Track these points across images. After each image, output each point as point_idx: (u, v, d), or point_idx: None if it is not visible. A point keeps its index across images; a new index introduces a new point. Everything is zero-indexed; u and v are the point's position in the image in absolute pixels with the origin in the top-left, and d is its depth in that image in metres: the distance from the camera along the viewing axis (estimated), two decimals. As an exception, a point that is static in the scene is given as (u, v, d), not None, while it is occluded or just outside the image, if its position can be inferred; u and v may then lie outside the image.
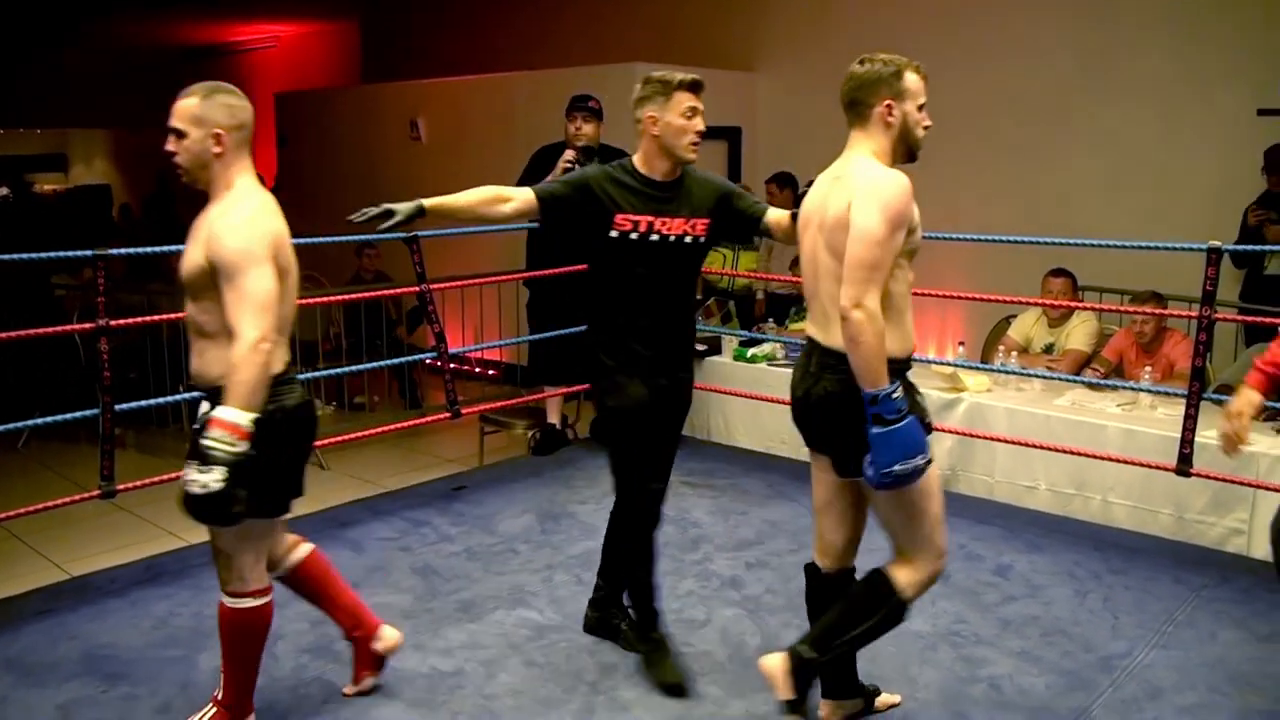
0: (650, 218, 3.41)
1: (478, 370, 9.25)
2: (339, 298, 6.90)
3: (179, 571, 4.43)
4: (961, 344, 6.23)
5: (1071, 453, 4.88)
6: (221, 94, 2.86)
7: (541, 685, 3.51)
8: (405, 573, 4.45)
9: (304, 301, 6.01)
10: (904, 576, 3.01)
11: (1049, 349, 5.88)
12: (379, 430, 5.79)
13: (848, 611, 3.03)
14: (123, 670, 3.58)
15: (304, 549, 3.33)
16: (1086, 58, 7.36)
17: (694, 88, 3.40)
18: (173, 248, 3.80)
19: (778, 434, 5.97)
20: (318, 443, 5.70)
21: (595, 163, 5.71)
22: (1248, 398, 3.17)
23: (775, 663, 3.01)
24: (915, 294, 5.92)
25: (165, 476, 4.31)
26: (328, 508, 5.31)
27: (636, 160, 3.47)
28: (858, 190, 2.83)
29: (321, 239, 6.10)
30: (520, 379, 6.84)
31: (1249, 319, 4.98)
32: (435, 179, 9.72)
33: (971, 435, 5.27)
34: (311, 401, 3.09)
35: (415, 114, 10.11)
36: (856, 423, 2.76)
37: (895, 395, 2.70)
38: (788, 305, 7.14)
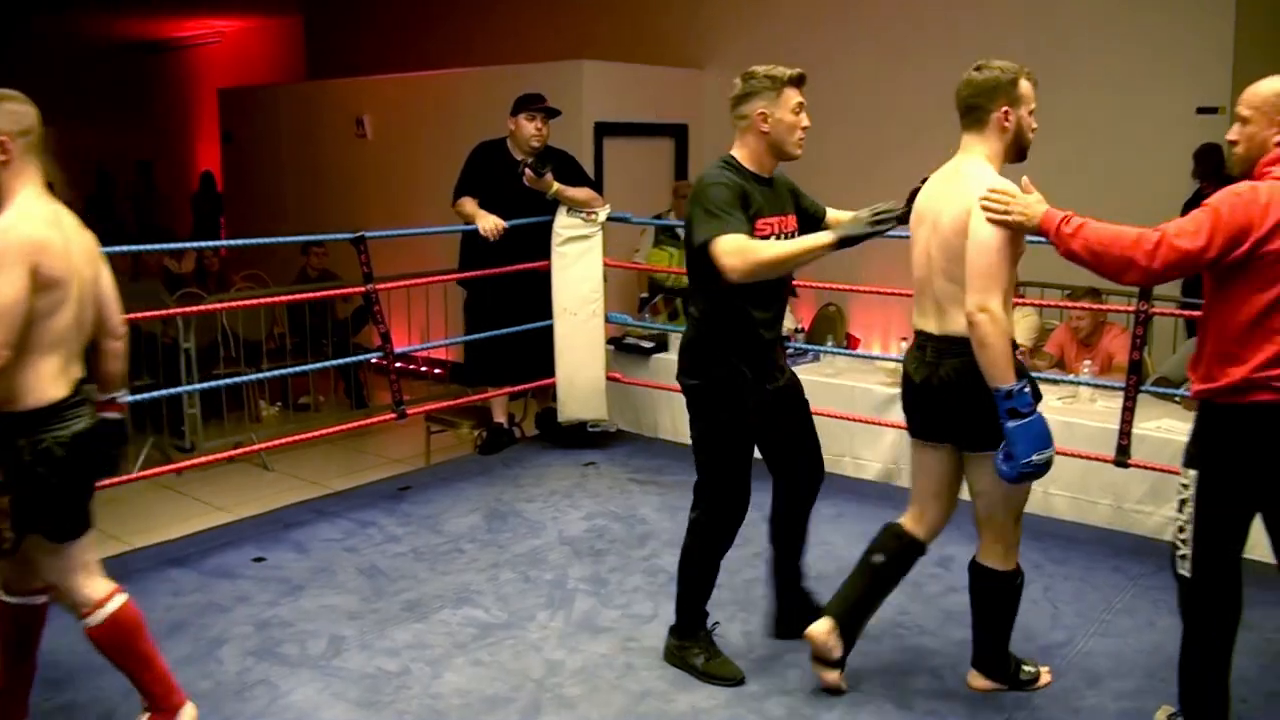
0: (778, 218, 3.43)
1: (424, 370, 9.22)
2: (283, 297, 6.85)
3: (120, 576, 4.37)
4: (905, 339, 6.27)
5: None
6: (6, 101, 2.77)
7: (488, 684, 3.51)
8: (351, 574, 4.43)
9: (247, 302, 5.99)
10: (1003, 558, 3.35)
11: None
12: (324, 432, 5.77)
13: (993, 614, 3.43)
14: (65, 678, 3.53)
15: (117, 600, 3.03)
16: (1034, 56, 7.43)
17: (801, 82, 3.39)
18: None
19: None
20: (264, 444, 5.76)
21: (548, 166, 5.74)
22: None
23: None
24: (861, 291, 6.05)
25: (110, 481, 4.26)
26: (272, 509, 5.28)
27: (743, 158, 3.43)
28: (976, 199, 2.99)
29: (266, 240, 6.09)
30: (462, 378, 6.82)
31: (1186, 313, 5.07)
32: (381, 176, 9.80)
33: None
34: (106, 425, 3.00)
35: (361, 111, 10.04)
36: (982, 401, 2.96)
37: (1026, 390, 2.90)
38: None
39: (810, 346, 6.29)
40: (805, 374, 5.76)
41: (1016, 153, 3.21)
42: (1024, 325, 5.91)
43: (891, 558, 3.50)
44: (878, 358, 6.09)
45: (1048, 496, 5.06)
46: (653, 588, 4.25)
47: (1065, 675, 3.58)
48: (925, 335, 3.22)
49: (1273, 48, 6.67)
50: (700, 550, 3.59)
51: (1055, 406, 5.19)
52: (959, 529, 4.83)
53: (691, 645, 3.61)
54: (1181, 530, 2.89)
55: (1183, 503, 2.89)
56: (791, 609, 3.79)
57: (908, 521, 3.50)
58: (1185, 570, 2.89)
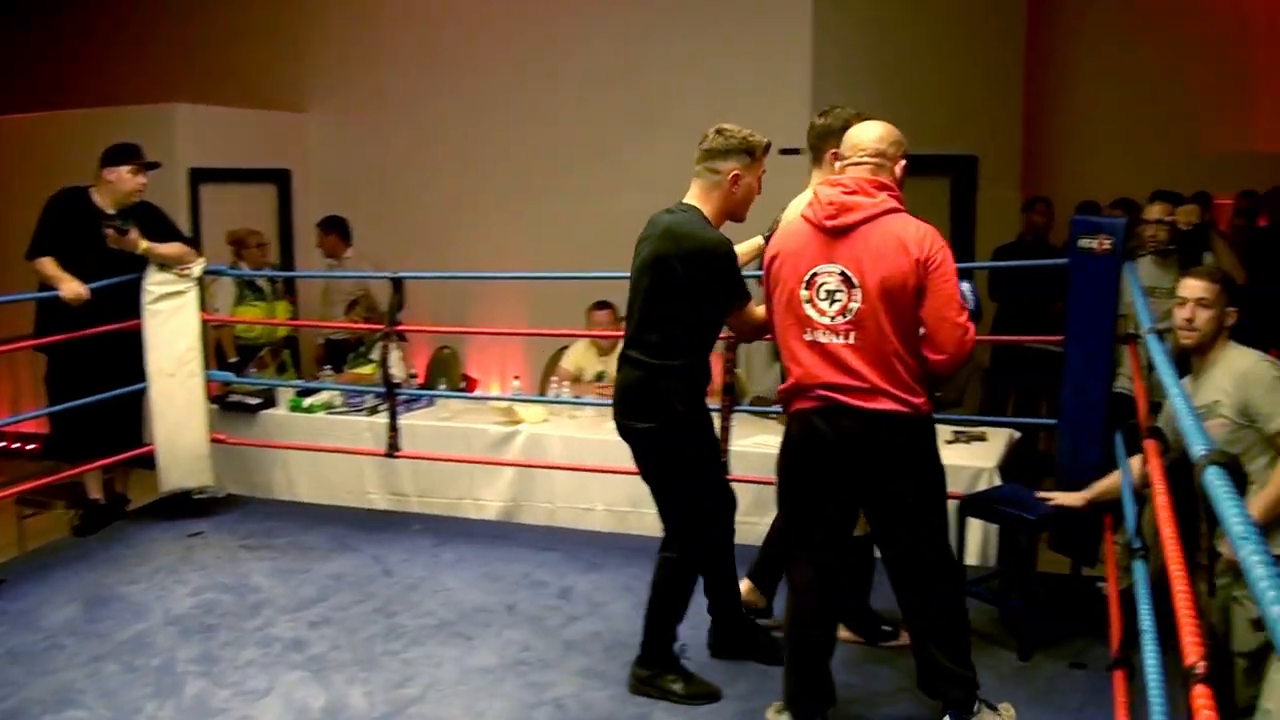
0: None
1: (15, 446, 8.42)
2: None
3: None
4: (517, 378, 6.40)
5: (624, 473, 5.12)
6: None
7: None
8: (-73, 687, 3.95)
9: None
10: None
11: (600, 376, 6.16)
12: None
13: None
14: None
15: None
16: (629, 102, 7.81)
17: (767, 152, 3.59)
18: None
19: (342, 484, 5.86)
20: None
21: (130, 223, 5.36)
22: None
23: None
24: (472, 333, 6.11)
25: None
26: None
27: (709, 214, 3.57)
28: None
29: None
30: (54, 453, 6.25)
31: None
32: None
33: (531, 466, 5.43)
34: None
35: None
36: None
37: None
38: (346, 350, 7.03)
39: (424, 392, 6.26)
40: (421, 419, 5.76)
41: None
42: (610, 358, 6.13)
43: None
44: (490, 398, 6.15)
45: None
46: (268, 659, 4.06)
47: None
48: None
49: (846, 90, 7.32)
50: (676, 585, 3.68)
51: (660, 431, 5.42)
52: (578, 559, 4.99)
53: (664, 673, 3.68)
54: None
55: None
56: (728, 629, 3.96)
57: None
58: None
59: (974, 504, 4.25)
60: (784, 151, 7.42)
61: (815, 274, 3.12)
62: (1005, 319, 6.89)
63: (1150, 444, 2.87)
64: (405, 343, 6.63)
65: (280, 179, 8.86)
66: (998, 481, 4.78)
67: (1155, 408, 3.84)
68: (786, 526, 3.51)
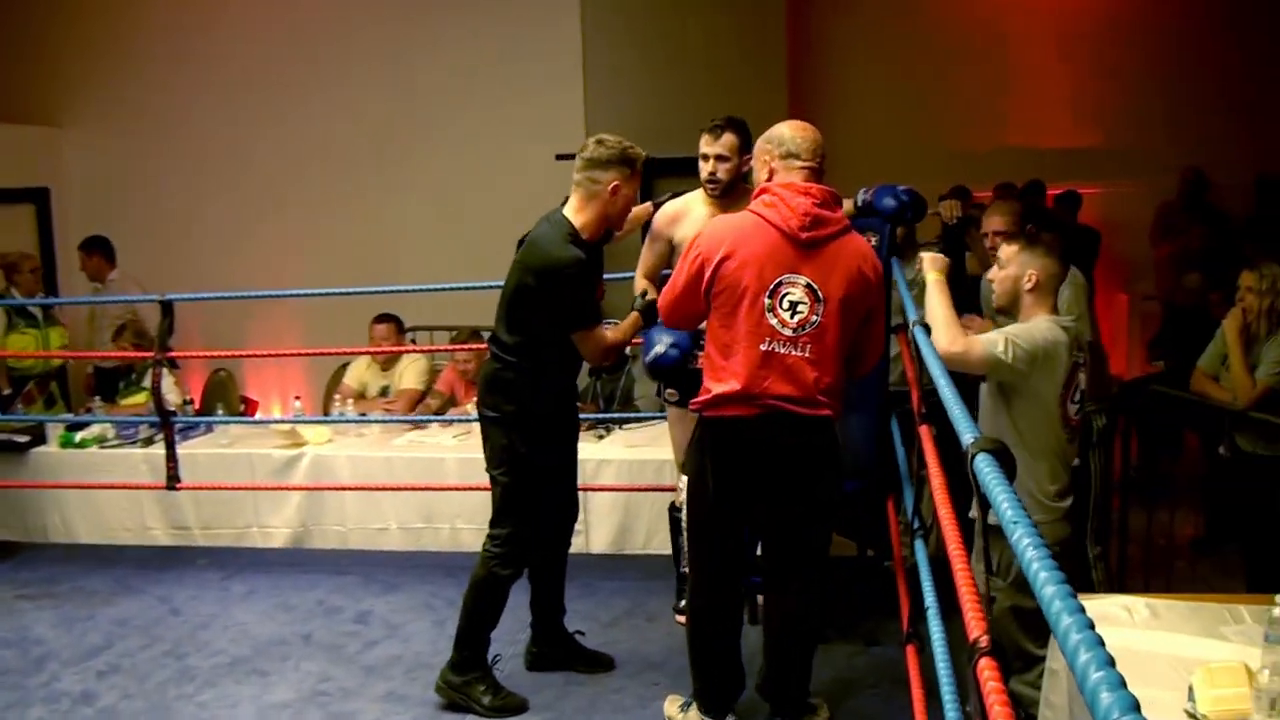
0: (601, 284, 3.72)
1: None
2: None
3: None
4: (298, 398, 6.24)
5: (415, 489, 5.10)
6: None
7: None
8: None
9: None
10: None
11: (384, 392, 6.07)
12: None
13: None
14: None
15: None
16: (401, 110, 7.72)
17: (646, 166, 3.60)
18: None
19: (121, 522, 5.59)
20: None
21: None
22: None
23: None
24: (249, 355, 5.92)
25: None
26: None
27: (581, 225, 3.53)
28: None
29: None
30: None
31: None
32: None
33: (318, 488, 5.31)
34: None
35: None
36: None
37: None
38: (116, 379, 6.70)
39: (201, 419, 6.03)
40: (200, 448, 5.55)
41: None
42: (414, 370, 6.05)
43: None
44: (271, 421, 5.99)
45: (455, 532, 5.25)
46: (56, 717, 3.85)
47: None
48: None
49: (615, 96, 7.43)
50: (491, 581, 3.64)
51: (450, 444, 5.41)
52: (375, 580, 4.93)
53: (474, 680, 3.68)
54: None
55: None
56: (549, 641, 3.99)
57: None
58: None
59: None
60: (559, 157, 7.54)
61: (781, 283, 3.06)
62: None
63: (924, 429, 3.02)
64: (178, 368, 6.37)
65: (38, 198, 8.37)
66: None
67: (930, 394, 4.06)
68: (703, 522, 3.34)
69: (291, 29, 7.99)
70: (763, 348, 3.07)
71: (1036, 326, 3.22)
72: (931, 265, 3.40)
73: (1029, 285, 3.28)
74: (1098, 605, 3.26)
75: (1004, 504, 1.43)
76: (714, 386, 3.15)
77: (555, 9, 7.53)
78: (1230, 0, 8.06)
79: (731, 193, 3.85)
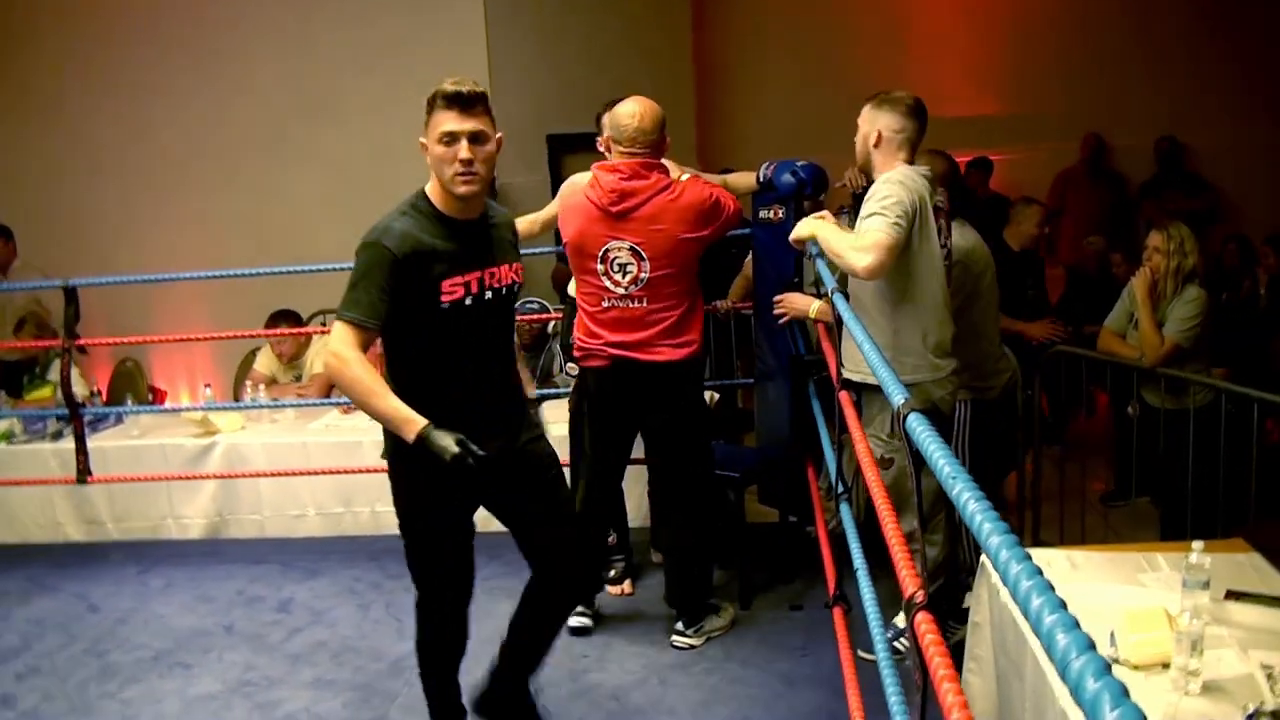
0: (482, 272, 2.81)
1: None
2: None
3: None
4: (208, 385, 6.10)
5: (333, 473, 5.03)
6: None
7: None
8: None
9: None
10: None
11: (298, 377, 5.97)
12: None
13: None
14: None
15: None
16: (299, 88, 7.55)
17: (457, 102, 2.71)
18: None
19: (32, 520, 5.42)
20: None
21: None
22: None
23: None
24: (160, 341, 5.75)
25: None
26: None
27: (433, 194, 2.83)
28: None
29: None
30: None
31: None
32: None
33: (233, 477, 5.22)
34: None
35: None
36: None
37: None
38: (20, 373, 6.48)
39: (111, 409, 5.87)
40: (110, 440, 5.42)
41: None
42: (324, 354, 5.96)
43: None
44: (182, 409, 5.85)
45: (376, 515, 5.19)
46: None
47: (416, 685, 3.67)
48: None
49: (520, 78, 7.38)
50: (421, 651, 3.18)
51: (367, 425, 5.29)
52: (295, 567, 4.86)
53: None
54: None
55: None
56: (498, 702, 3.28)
57: None
58: None
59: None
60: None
61: (608, 249, 3.58)
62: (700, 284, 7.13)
63: (844, 395, 3.08)
64: (86, 354, 6.20)
65: None
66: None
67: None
68: (580, 466, 3.91)
69: (182, 5, 7.76)
70: (604, 304, 3.63)
71: (897, 182, 3.33)
72: (803, 224, 3.47)
73: (874, 142, 3.50)
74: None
75: (940, 460, 1.45)
76: (578, 341, 3.77)
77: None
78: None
79: None
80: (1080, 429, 6.23)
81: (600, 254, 3.59)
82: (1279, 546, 3.85)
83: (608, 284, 3.61)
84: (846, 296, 3.25)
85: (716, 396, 5.59)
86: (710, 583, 4.06)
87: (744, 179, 4.22)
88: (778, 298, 4.01)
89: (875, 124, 3.51)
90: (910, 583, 1.64)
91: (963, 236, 3.89)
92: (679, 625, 3.93)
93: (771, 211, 4.19)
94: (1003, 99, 8.42)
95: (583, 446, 3.95)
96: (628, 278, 3.58)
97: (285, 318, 5.85)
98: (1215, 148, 8.01)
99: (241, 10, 7.62)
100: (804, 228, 3.43)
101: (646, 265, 3.56)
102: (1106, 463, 5.48)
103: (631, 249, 3.55)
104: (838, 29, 8.40)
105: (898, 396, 1.79)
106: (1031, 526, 4.78)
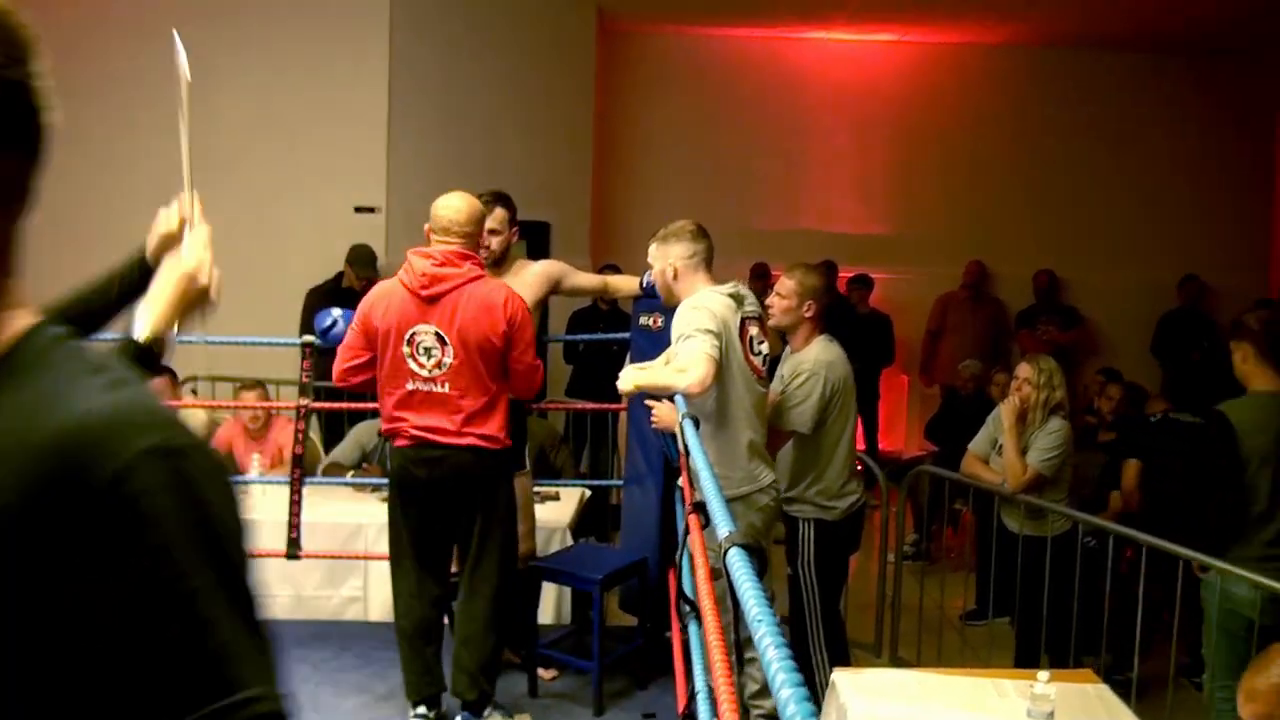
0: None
1: None
2: None
3: None
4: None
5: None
6: None
7: None
8: None
9: None
10: None
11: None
12: None
13: None
14: None
15: None
16: (207, 157, 7.38)
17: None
18: None
19: None
20: None
21: None
22: None
23: None
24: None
25: None
26: None
27: None
28: None
29: None
30: None
31: (346, 405, 5.36)
32: None
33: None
34: None
35: None
36: None
37: None
38: None
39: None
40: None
41: None
42: (192, 423, 5.77)
43: None
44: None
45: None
46: None
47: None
48: None
49: (419, 157, 7.40)
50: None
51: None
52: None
53: None
54: None
55: None
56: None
57: None
58: None
59: (542, 568, 4.36)
60: (358, 210, 7.42)
61: (414, 333, 3.63)
62: (579, 383, 7.13)
63: (693, 518, 3.07)
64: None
65: None
66: (570, 541, 4.93)
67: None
68: (394, 547, 3.85)
69: (82, 57, 7.60)
70: (408, 387, 3.66)
71: (700, 302, 3.52)
72: (624, 380, 3.61)
73: (672, 275, 3.70)
74: (875, 677, 3.36)
75: (750, 600, 1.49)
76: (382, 424, 3.84)
77: (363, 59, 7.45)
78: (1018, 110, 8.62)
79: (502, 263, 4.20)
80: (948, 542, 6.32)
81: (408, 336, 3.63)
82: (1127, 678, 3.95)
83: (413, 366, 3.65)
84: (696, 424, 3.28)
85: (588, 494, 5.56)
86: (496, 677, 3.90)
87: (628, 283, 4.32)
88: (651, 403, 4.02)
89: (667, 258, 3.71)
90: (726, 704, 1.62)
91: (825, 350, 3.99)
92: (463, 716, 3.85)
93: (651, 319, 4.24)
94: (890, 221, 8.69)
95: (394, 528, 3.88)
96: (432, 361, 3.62)
97: (162, 371, 5.66)
98: (1090, 284, 8.38)
99: (140, 79, 7.49)
100: (626, 384, 3.56)
101: (450, 351, 3.61)
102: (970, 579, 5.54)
103: (437, 334, 3.61)
104: (735, 137, 8.61)
105: (723, 529, 1.84)
106: (890, 641, 4.81)
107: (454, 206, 3.69)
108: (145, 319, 1.89)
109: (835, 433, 3.98)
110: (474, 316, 3.60)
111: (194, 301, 1.98)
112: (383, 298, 3.73)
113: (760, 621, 1.37)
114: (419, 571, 3.79)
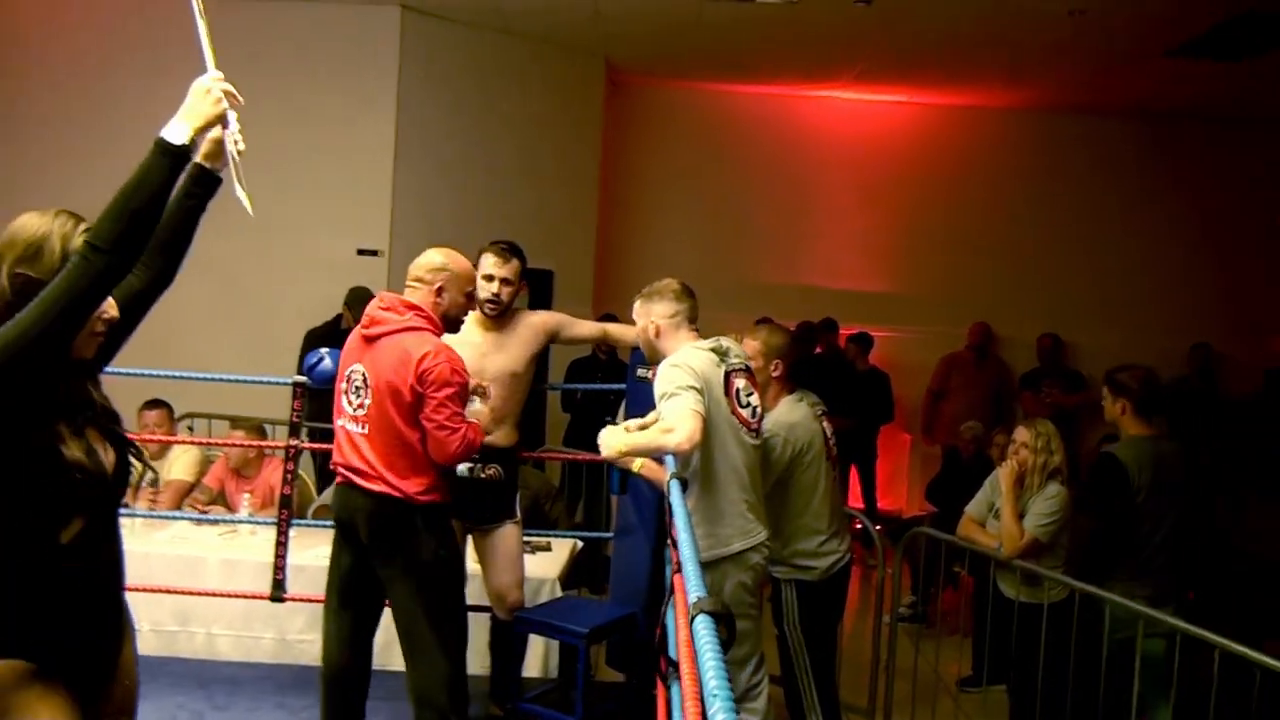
0: None
1: None
2: None
3: None
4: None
5: (168, 592, 4.77)
6: None
7: None
8: None
9: None
10: None
11: (153, 481, 5.73)
12: None
13: None
14: None
15: None
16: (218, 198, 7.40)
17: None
18: None
19: None
20: None
21: None
22: None
23: None
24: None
25: None
26: None
27: None
28: None
29: None
30: None
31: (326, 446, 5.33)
32: None
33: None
34: None
35: None
36: None
37: None
38: None
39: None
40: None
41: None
42: (185, 460, 5.74)
43: None
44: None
45: (211, 638, 4.94)
46: None
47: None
48: None
49: (423, 202, 7.42)
50: None
51: (216, 543, 5.12)
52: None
53: None
54: None
55: None
56: None
57: None
58: None
59: (528, 620, 4.29)
60: (361, 252, 7.43)
61: (351, 371, 3.63)
62: (576, 433, 7.10)
63: (677, 579, 3.02)
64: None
65: None
66: (559, 592, 4.87)
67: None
68: (327, 589, 3.81)
69: (82, 89, 7.64)
70: (341, 423, 3.65)
71: (680, 359, 3.49)
72: (608, 446, 3.47)
73: (654, 333, 3.71)
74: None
75: (710, 670, 1.48)
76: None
77: (371, 105, 7.47)
78: (1025, 173, 8.66)
79: (505, 313, 4.17)
80: (945, 605, 6.23)
81: (347, 374, 3.65)
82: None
83: (344, 403, 3.64)
84: (684, 485, 3.23)
85: (580, 545, 5.50)
86: None
87: (627, 332, 4.30)
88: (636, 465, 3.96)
89: (649, 316, 3.74)
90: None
91: (790, 411, 3.98)
92: None
93: (649, 371, 4.20)
94: (893, 279, 8.70)
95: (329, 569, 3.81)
96: (358, 401, 3.59)
97: (159, 405, 5.66)
98: (1097, 349, 8.34)
99: (140, 120, 7.50)
100: (610, 448, 3.44)
101: (369, 395, 3.55)
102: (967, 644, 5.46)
103: (364, 374, 3.58)
104: (739, 192, 8.65)
105: (693, 594, 1.85)
106: (884, 706, 4.72)
107: (427, 258, 3.71)
108: (177, 127, 2.38)
109: (805, 492, 3.95)
110: (390, 364, 3.52)
111: (211, 115, 2.48)
112: (353, 336, 3.75)
113: (715, 696, 1.37)
114: (340, 614, 3.74)
